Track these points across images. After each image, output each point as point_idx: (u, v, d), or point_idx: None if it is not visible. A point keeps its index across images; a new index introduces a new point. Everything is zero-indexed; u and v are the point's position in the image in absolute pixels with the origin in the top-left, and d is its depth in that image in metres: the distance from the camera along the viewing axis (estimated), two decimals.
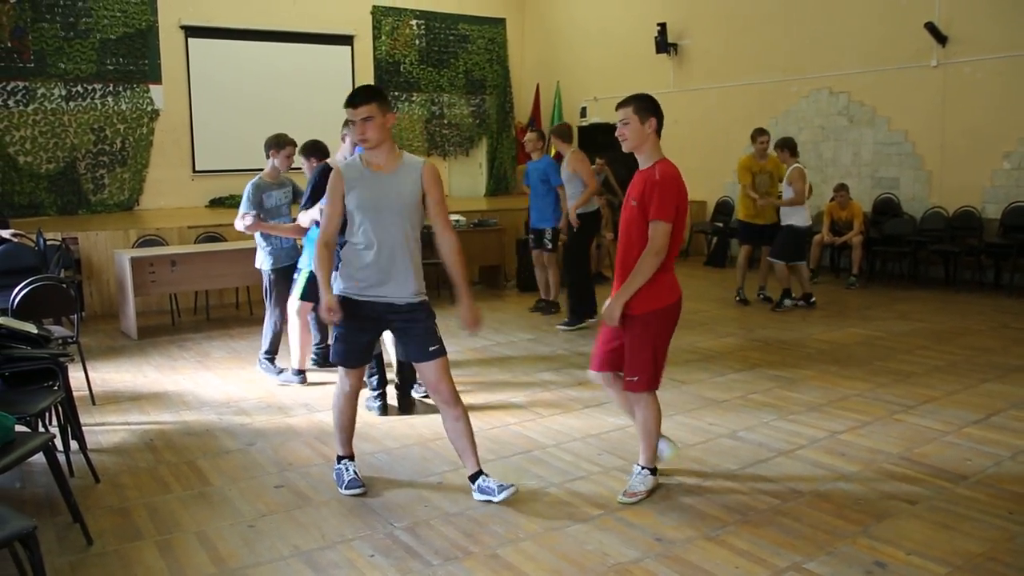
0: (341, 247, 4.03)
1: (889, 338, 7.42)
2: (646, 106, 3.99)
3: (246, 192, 6.30)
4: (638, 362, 3.93)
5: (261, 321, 8.58)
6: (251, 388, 6.18)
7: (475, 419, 5.26)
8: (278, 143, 6.48)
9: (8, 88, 11.59)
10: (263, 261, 6.44)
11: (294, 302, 6.19)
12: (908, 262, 10.58)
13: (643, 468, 4.11)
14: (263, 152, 6.56)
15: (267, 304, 6.54)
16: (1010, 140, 9.77)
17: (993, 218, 9.95)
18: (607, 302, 3.96)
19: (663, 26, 13.52)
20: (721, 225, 12.47)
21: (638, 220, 3.91)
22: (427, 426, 5.20)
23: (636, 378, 3.95)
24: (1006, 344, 7.13)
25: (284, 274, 6.41)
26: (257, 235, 6.33)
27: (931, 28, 10.13)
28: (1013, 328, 7.76)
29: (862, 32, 11.05)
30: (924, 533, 3.64)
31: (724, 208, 12.83)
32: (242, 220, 6.08)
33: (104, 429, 5.27)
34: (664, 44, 13.56)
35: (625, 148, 4.08)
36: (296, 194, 6.60)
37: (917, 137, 10.65)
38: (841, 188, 10.32)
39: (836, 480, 4.27)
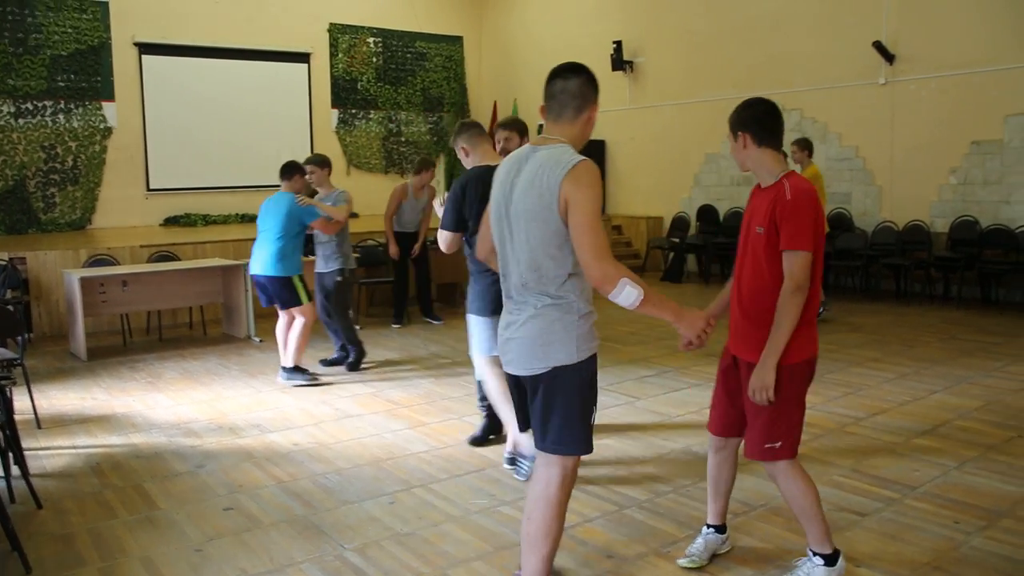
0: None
1: (841, 351, 7.51)
2: (737, 118, 3.24)
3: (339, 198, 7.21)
4: (782, 424, 3.16)
5: (214, 342, 8.53)
6: (202, 409, 6.09)
7: (427, 437, 5.26)
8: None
9: None
10: (333, 262, 7.18)
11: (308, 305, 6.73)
12: (860, 276, 10.74)
13: (816, 554, 3.29)
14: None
15: (331, 308, 7.25)
16: (956, 156, 9.99)
17: (942, 232, 10.16)
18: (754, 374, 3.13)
19: (619, 44, 13.67)
20: (677, 241, 12.57)
21: (768, 251, 3.12)
22: (379, 446, 5.16)
23: (779, 444, 3.18)
24: (954, 355, 7.25)
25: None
26: (327, 239, 7.12)
27: (879, 47, 10.35)
28: (961, 340, 7.90)
29: (814, 50, 11.26)
30: (872, 544, 3.67)
31: (680, 224, 12.94)
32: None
33: (49, 453, 5.15)
34: (620, 62, 13.70)
35: (740, 169, 3.42)
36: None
37: (867, 153, 10.85)
38: None
39: None
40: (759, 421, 3.18)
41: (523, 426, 3.09)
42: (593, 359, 2.88)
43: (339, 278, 7.13)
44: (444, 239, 4.82)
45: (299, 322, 6.63)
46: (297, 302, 6.63)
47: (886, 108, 10.59)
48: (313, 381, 6.68)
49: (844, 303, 10.11)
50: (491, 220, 2.99)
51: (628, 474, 4.60)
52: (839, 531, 3.82)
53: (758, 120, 3.20)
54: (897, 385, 6.35)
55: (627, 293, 2.66)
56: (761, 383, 3.09)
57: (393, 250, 8.99)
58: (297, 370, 6.71)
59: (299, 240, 6.70)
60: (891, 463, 4.70)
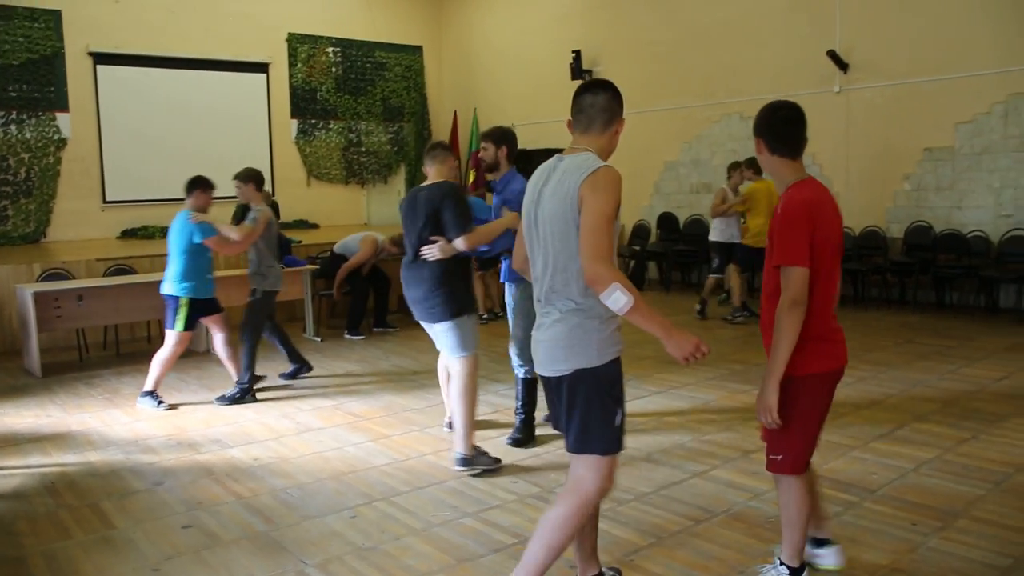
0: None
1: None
2: (756, 122, 3.28)
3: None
4: (784, 438, 3.17)
5: None
6: (160, 425, 6.00)
7: (390, 451, 5.23)
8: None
9: None
10: (250, 281, 6.85)
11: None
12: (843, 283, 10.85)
13: (782, 564, 3.32)
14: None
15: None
16: (909, 162, 10.17)
17: (897, 237, 10.34)
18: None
19: (578, 53, 13.73)
20: (638, 248, 12.64)
21: (771, 267, 3.13)
22: (341, 459, 5.12)
23: (779, 457, 3.20)
24: (910, 359, 7.37)
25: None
26: (253, 257, 6.77)
27: (833, 56, 10.52)
28: (917, 343, 8.04)
29: (770, 59, 11.40)
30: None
31: (641, 232, 13.01)
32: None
33: (0, 474, 5.04)
34: (579, 71, 13.76)
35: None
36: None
37: (824, 159, 11.00)
38: None
39: (749, 499, 4.34)
40: (769, 431, 3.21)
41: (554, 423, 3.13)
42: (616, 362, 2.95)
43: (249, 298, 6.78)
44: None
45: (164, 348, 6.48)
46: (171, 325, 6.46)
47: (841, 116, 10.76)
48: (160, 406, 6.45)
49: None
50: (523, 229, 3.09)
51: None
52: None
53: (772, 127, 3.22)
54: (854, 389, 6.43)
55: (616, 297, 2.69)
56: (762, 404, 3.11)
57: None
58: (151, 395, 6.51)
59: (199, 259, 6.45)
60: (849, 466, 4.76)
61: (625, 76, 13.37)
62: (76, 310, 8.02)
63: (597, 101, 2.99)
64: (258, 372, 6.86)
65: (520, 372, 5.42)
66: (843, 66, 10.57)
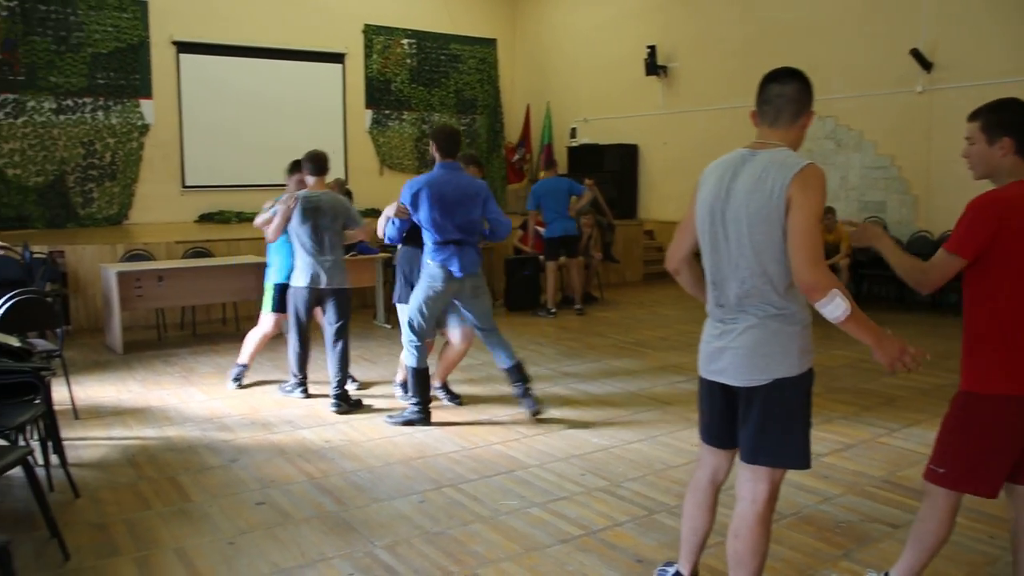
0: None
1: (874, 362, 7.40)
2: (1001, 121, 2.90)
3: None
4: (947, 450, 3.01)
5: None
6: (235, 404, 6.15)
7: (458, 438, 5.28)
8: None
9: None
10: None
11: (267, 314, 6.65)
12: (895, 285, 10.64)
13: None
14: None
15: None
16: None
17: None
18: None
19: (652, 48, 13.63)
20: None
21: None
22: (410, 445, 5.18)
23: (943, 470, 3.00)
24: None
25: None
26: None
27: (916, 55, 10.24)
28: None
29: (848, 57, 11.16)
30: None
31: None
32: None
33: (86, 444, 5.23)
34: (654, 66, 13.66)
35: (974, 176, 3.04)
36: None
37: (903, 161, 10.73)
38: (828, 212, 10.37)
39: (819, 503, 4.28)
40: (939, 440, 3.07)
41: (722, 442, 2.99)
42: (812, 371, 2.82)
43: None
44: None
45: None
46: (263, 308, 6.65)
47: (923, 117, 10.48)
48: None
49: (877, 313, 10.01)
50: (698, 227, 2.88)
51: (658, 479, 4.59)
52: (872, 542, 3.81)
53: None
54: (932, 397, 6.29)
55: (836, 304, 2.58)
56: (858, 235, 3.31)
57: None
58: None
59: (283, 245, 6.32)
60: None
61: (700, 73, 13.26)
62: (156, 290, 8.27)
63: (785, 91, 2.77)
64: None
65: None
66: (927, 65, 10.28)
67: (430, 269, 5.47)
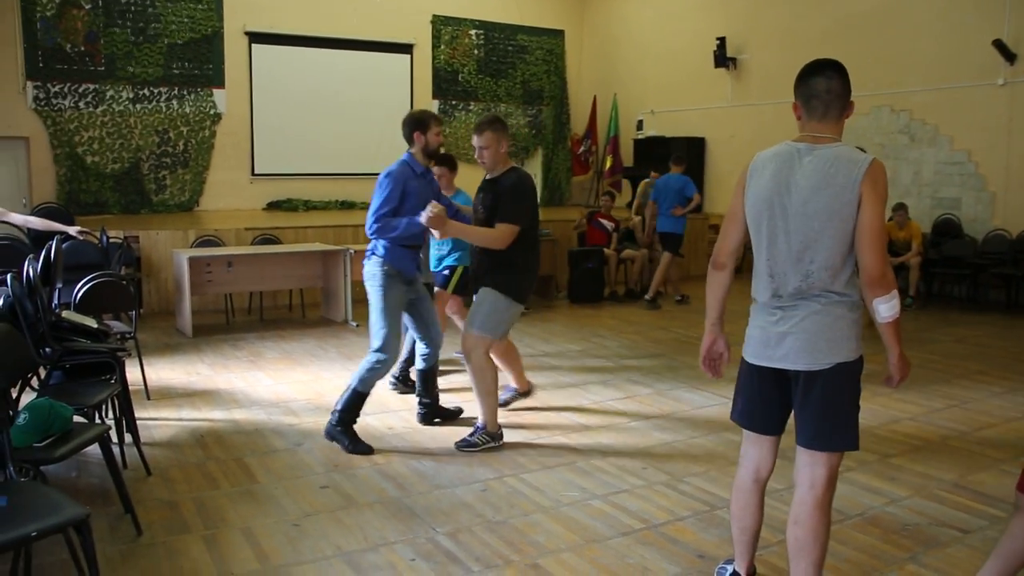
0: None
1: (945, 362, 7.26)
2: None
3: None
4: None
5: (313, 324, 8.77)
6: (301, 389, 6.27)
7: (522, 430, 5.29)
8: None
9: (79, 90, 11.94)
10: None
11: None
12: (968, 285, 10.34)
13: None
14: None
15: None
16: None
17: None
18: None
19: (722, 40, 13.44)
20: None
21: None
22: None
23: None
24: None
25: None
26: None
27: (999, 45, 9.91)
28: None
29: (926, 49, 10.86)
30: (974, 563, 3.53)
31: None
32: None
33: (157, 423, 5.39)
34: (723, 58, 13.48)
35: None
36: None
37: (981, 157, 10.41)
38: (900, 208, 10.12)
39: (885, 505, 4.19)
40: None
41: (767, 427, 3.05)
42: (863, 357, 2.88)
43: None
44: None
45: None
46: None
47: (1004, 111, 10.14)
48: None
49: (949, 312, 9.75)
50: (751, 220, 2.92)
51: (720, 475, 4.54)
52: (940, 547, 3.72)
53: None
54: (1005, 400, 6.10)
55: (893, 304, 2.70)
56: None
57: None
58: None
59: None
60: (996, 480, 4.52)
61: (770, 65, 13.03)
62: (226, 276, 8.46)
63: (832, 86, 2.85)
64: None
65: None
66: (1010, 57, 9.94)
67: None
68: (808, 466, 2.89)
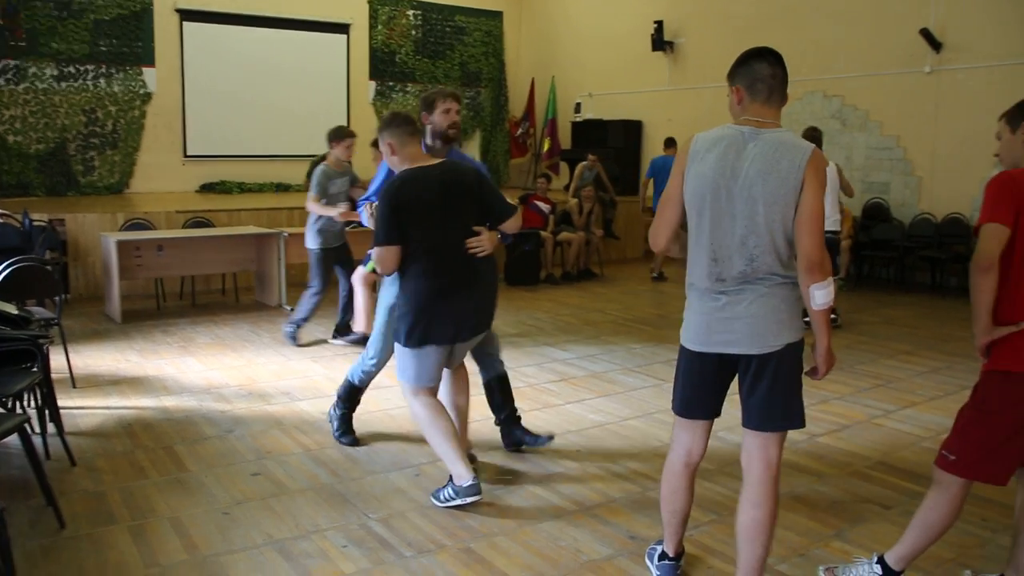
0: None
1: (873, 343, 7.44)
2: (1021, 108, 3.08)
3: (315, 178, 6.96)
4: (961, 437, 2.99)
5: (246, 309, 8.64)
6: (233, 375, 6.16)
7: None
8: (339, 134, 7.08)
9: None
10: (312, 240, 6.97)
11: (360, 270, 6.82)
12: (896, 267, 10.62)
13: (879, 562, 3.20)
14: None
15: (311, 279, 7.08)
16: None
17: None
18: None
19: (660, 24, 13.52)
20: None
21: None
22: (407, 418, 5.16)
23: (954, 458, 2.98)
24: None
25: (331, 254, 7.05)
26: (311, 216, 6.96)
27: (926, 34, 10.15)
28: None
29: (857, 36, 11.07)
30: (896, 537, 3.61)
31: None
32: (313, 204, 6.84)
33: (83, 412, 5.25)
34: (660, 42, 13.55)
35: (1004, 167, 3.10)
36: (354, 182, 7.17)
37: (908, 143, 10.67)
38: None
39: (812, 483, 4.29)
40: (955, 428, 3.05)
41: (705, 413, 3.04)
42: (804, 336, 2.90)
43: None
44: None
45: None
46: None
47: (930, 98, 10.40)
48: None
49: (878, 294, 10.00)
50: (692, 202, 2.84)
51: (653, 456, 4.60)
52: (864, 523, 3.82)
53: None
54: (929, 379, 6.29)
55: (830, 290, 2.73)
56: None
57: None
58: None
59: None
60: (919, 457, 4.66)
61: (707, 50, 13.15)
62: (156, 260, 8.26)
63: (776, 72, 2.87)
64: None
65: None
66: (936, 45, 10.18)
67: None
68: (762, 448, 2.89)
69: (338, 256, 7.13)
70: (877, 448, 4.80)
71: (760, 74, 2.85)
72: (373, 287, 6.62)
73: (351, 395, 4.84)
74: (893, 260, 10.52)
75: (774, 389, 2.83)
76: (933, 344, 7.43)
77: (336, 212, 6.81)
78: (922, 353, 7.10)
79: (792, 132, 2.83)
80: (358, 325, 7.00)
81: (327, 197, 6.90)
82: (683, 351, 3.01)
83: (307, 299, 7.03)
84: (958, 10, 10.08)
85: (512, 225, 4.13)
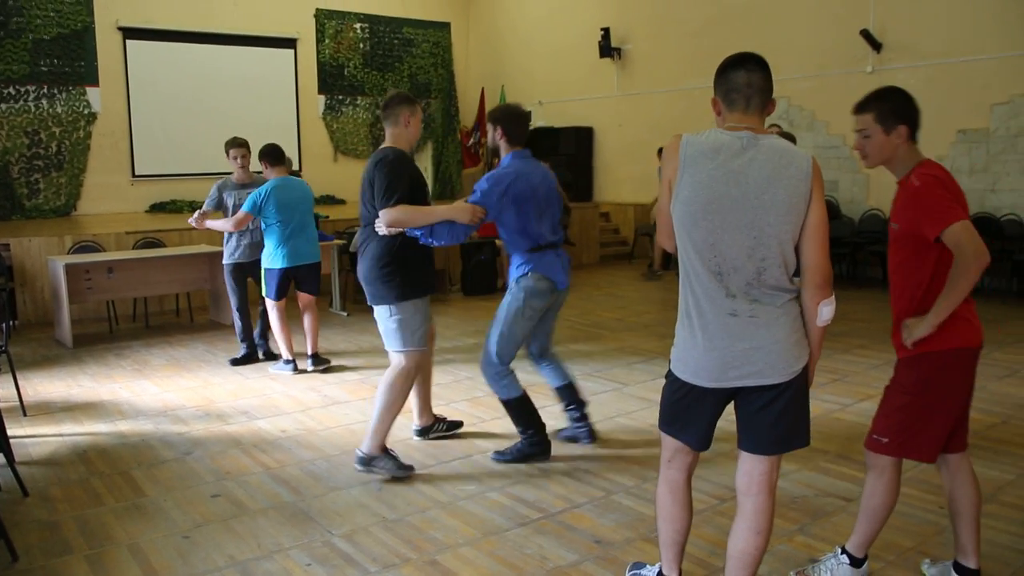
0: None
1: (828, 338, 7.46)
2: (893, 109, 3.06)
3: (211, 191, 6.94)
4: (890, 419, 3.07)
5: (201, 328, 8.52)
6: (189, 396, 6.06)
7: (414, 425, 5.25)
8: (226, 145, 7.02)
9: None
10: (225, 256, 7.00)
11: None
12: (847, 263, 10.80)
13: (843, 552, 3.25)
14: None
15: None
16: (942, 144, 10.04)
17: None
18: (909, 322, 3.04)
19: (606, 31, 13.63)
20: None
21: (904, 244, 3.02)
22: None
23: (886, 439, 3.07)
24: None
25: (237, 269, 6.96)
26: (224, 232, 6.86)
27: (866, 35, 10.37)
28: None
29: (802, 38, 11.27)
30: None
31: None
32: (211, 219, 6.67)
33: (35, 441, 5.12)
34: (608, 48, 13.67)
35: (867, 165, 3.17)
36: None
37: (853, 140, 10.86)
38: None
39: None
40: (880, 411, 3.12)
41: (704, 445, 2.84)
42: None
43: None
44: None
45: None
46: (316, 291, 6.91)
47: None
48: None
49: (834, 290, 10.14)
50: (690, 211, 2.60)
51: (616, 460, 4.61)
52: (826, 516, 3.86)
53: (911, 116, 3.09)
54: (884, 372, 6.37)
55: (834, 307, 2.65)
56: (908, 333, 3.01)
57: None
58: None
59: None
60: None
61: (654, 55, 13.30)
62: (106, 282, 8.11)
63: (753, 79, 2.64)
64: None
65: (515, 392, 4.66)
66: (876, 46, 10.42)
67: (529, 283, 4.53)
68: (766, 473, 2.73)
69: (252, 272, 6.91)
70: (835, 442, 4.87)
71: (735, 83, 2.65)
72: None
73: (526, 406, 4.62)
74: (844, 256, 10.70)
75: (789, 411, 2.68)
76: (887, 337, 7.47)
77: (223, 224, 6.68)
78: (876, 347, 7.22)
79: (787, 141, 2.73)
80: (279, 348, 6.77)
81: (223, 210, 6.91)
82: (686, 387, 2.73)
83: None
84: (895, 11, 10.32)
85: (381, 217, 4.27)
